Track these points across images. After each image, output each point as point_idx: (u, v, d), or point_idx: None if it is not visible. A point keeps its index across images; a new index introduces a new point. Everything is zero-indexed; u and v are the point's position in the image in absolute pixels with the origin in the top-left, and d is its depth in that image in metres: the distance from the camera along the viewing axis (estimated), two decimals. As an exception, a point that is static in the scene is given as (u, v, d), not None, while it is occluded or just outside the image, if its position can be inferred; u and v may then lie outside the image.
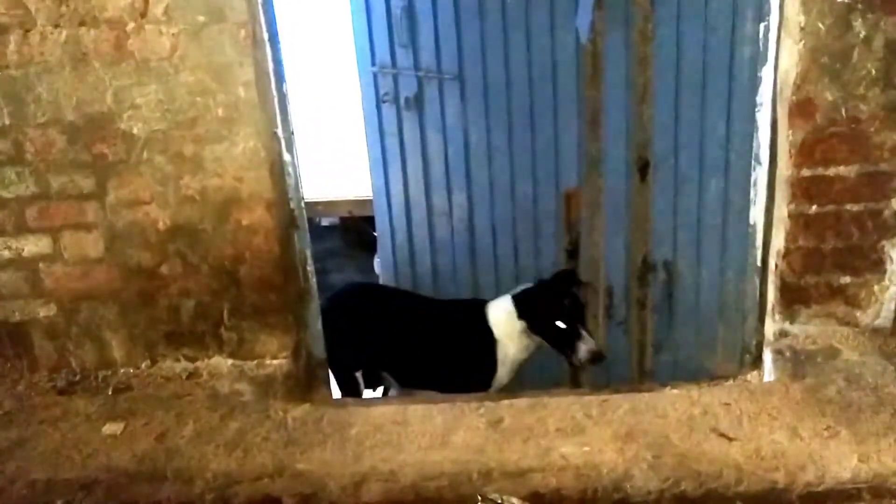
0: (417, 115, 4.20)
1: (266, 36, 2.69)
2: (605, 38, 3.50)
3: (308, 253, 3.06)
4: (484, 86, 3.96)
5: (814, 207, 2.70)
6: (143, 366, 2.98)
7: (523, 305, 3.60)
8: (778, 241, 2.78)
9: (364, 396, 4.06)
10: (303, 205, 3.01)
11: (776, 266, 2.81)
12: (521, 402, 2.78)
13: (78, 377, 2.97)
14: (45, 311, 2.93)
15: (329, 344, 3.90)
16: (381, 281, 4.79)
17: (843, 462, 2.35)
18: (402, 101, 4.21)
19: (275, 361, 2.95)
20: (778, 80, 2.66)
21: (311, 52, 6.95)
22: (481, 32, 3.84)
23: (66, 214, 2.81)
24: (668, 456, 2.42)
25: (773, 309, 2.88)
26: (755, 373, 2.99)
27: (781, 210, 2.74)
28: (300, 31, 6.98)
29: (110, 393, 2.90)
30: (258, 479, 2.43)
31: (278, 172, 2.80)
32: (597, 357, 3.45)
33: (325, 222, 6.57)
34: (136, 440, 2.61)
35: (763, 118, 2.78)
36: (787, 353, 2.83)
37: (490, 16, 3.80)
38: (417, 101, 4.17)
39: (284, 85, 2.84)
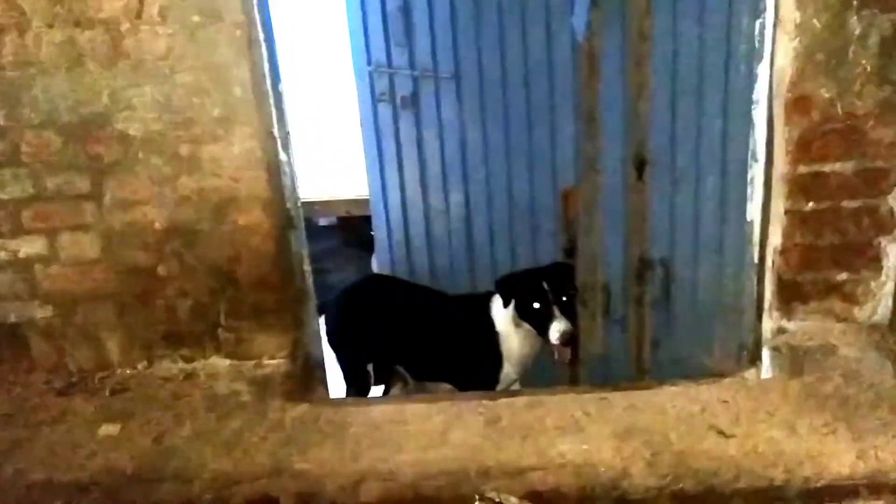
0: (414, 115, 4.20)
1: (262, 36, 2.69)
2: (602, 37, 3.48)
3: (305, 253, 3.06)
4: (480, 85, 3.96)
5: (810, 204, 2.71)
6: (141, 366, 2.98)
7: (504, 288, 3.62)
8: (775, 238, 2.79)
9: (372, 390, 4.08)
10: (299, 205, 3.01)
11: (773, 263, 2.82)
12: (520, 400, 2.78)
13: (75, 378, 2.97)
14: (41, 313, 2.93)
15: (343, 335, 3.94)
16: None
17: (841, 458, 2.35)
18: (398, 101, 4.21)
19: (272, 361, 2.96)
20: (774, 77, 2.65)
21: (308, 52, 6.94)
22: (477, 31, 3.85)
23: (63, 215, 2.81)
24: (667, 453, 2.42)
25: (770, 306, 2.88)
26: (753, 370, 3.00)
27: (778, 207, 2.74)
28: (297, 30, 6.99)
29: (108, 394, 2.90)
30: (256, 479, 2.43)
31: (275, 172, 2.79)
32: (567, 338, 3.46)
33: (323, 222, 6.58)
34: (133, 441, 2.62)
35: (759, 115, 2.78)
36: (785, 350, 2.83)
37: (486, 15, 3.80)
38: (414, 101, 4.17)
39: (280, 85, 2.83)
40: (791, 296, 2.84)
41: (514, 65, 3.83)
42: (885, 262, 2.76)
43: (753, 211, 2.91)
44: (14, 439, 2.65)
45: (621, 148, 3.59)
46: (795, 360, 2.79)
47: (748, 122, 2.84)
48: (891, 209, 2.69)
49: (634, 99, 3.42)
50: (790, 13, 2.51)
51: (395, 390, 4.26)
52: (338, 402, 3.13)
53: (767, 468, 2.34)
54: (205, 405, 2.81)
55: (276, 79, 2.80)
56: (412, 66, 4.09)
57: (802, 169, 2.67)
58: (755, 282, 2.96)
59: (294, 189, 2.95)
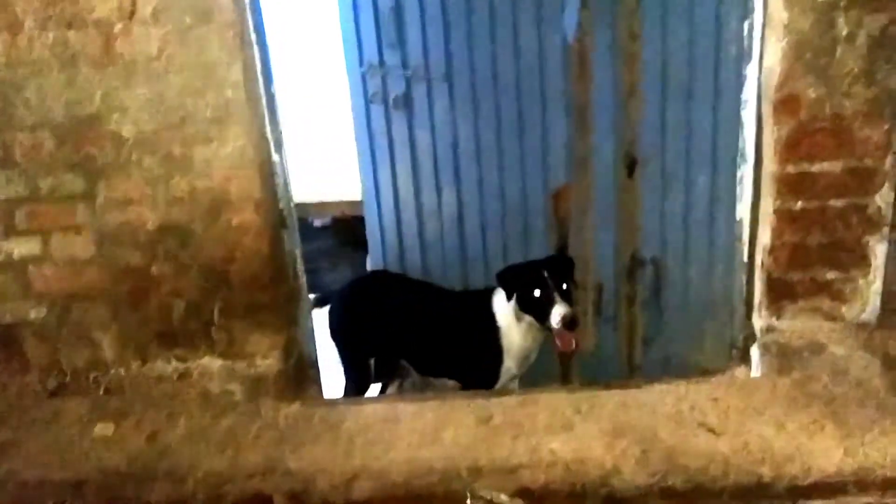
0: (406, 115, 4.21)
1: (254, 37, 2.70)
2: (592, 37, 3.51)
3: (298, 252, 3.08)
4: (472, 85, 3.97)
5: (799, 203, 2.73)
6: (134, 366, 2.99)
7: (505, 278, 3.64)
8: (764, 237, 2.80)
9: (372, 385, 4.10)
10: (292, 205, 3.02)
11: (762, 262, 2.83)
12: (511, 399, 2.80)
13: (69, 378, 2.98)
14: (35, 313, 2.94)
15: (345, 330, 3.96)
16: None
17: (828, 455, 2.37)
18: (390, 101, 4.21)
19: (266, 361, 2.96)
20: (762, 77, 2.68)
21: (302, 53, 6.94)
22: (469, 32, 3.86)
23: (56, 216, 2.82)
24: (656, 451, 2.44)
25: (759, 304, 2.90)
26: (743, 368, 3.03)
27: (767, 206, 2.76)
28: (290, 31, 7.00)
29: (101, 393, 2.92)
30: (249, 477, 2.45)
31: (267, 173, 2.81)
32: (569, 321, 3.47)
33: (317, 222, 6.58)
34: (127, 440, 2.63)
35: (748, 115, 2.80)
36: (774, 348, 2.86)
37: (477, 15, 3.81)
38: (406, 101, 4.18)
39: (272, 85, 2.85)
40: (780, 294, 2.85)
41: (505, 65, 3.85)
42: (873, 261, 2.78)
43: (743, 210, 2.93)
44: (8, 439, 2.67)
45: (612, 147, 3.62)
46: (784, 358, 2.81)
47: (737, 122, 2.86)
48: (878, 208, 2.71)
49: (625, 99, 3.46)
50: (778, 14, 2.53)
51: (392, 388, 4.28)
52: (331, 401, 3.14)
53: (756, 465, 2.36)
54: (198, 404, 2.83)
55: (268, 80, 2.82)
56: (404, 66, 4.10)
57: (791, 168, 2.69)
58: (745, 280, 2.98)
59: (286, 189, 2.96)
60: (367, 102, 4.31)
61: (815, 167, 2.68)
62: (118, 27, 2.58)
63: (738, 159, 2.90)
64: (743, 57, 2.78)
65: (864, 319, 2.85)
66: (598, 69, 3.55)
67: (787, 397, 2.63)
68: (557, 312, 3.45)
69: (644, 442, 2.48)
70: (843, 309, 2.86)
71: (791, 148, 2.66)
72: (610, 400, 2.70)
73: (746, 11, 2.72)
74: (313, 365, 3.21)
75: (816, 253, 2.79)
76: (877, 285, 2.81)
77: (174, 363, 2.99)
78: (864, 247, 2.77)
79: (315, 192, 5.77)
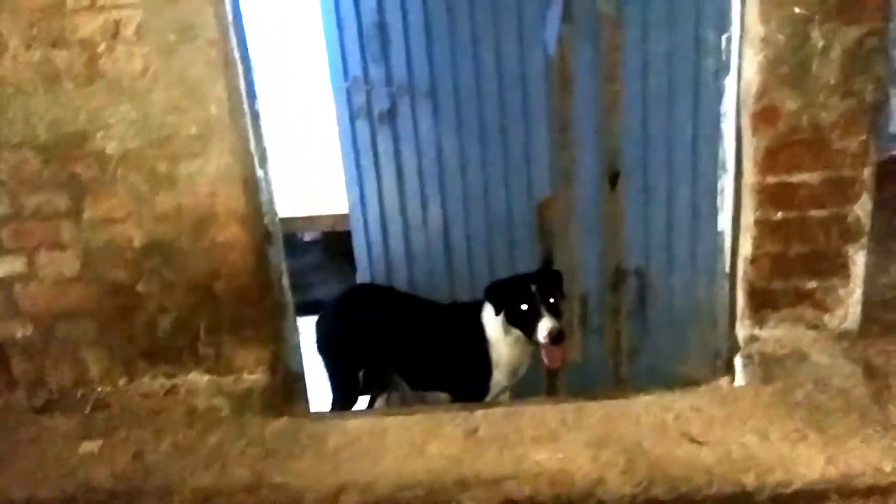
0: (391, 130, 4.24)
1: (237, 54, 2.72)
2: (573, 51, 3.55)
3: (283, 268, 3.09)
4: (456, 99, 4.00)
5: (779, 213, 2.75)
6: (121, 383, 2.99)
7: (493, 293, 3.66)
8: (745, 247, 2.82)
9: (360, 398, 4.12)
10: (277, 220, 3.03)
11: (744, 272, 2.85)
12: (497, 411, 2.82)
13: (56, 396, 2.98)
14: (21, 331, 2.94)
15: (332, 343, 3.98)
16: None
17: (811, 464, 2.40)
18: (375, 116, 4.24)
19: (252, 376, 2.97)
20: (741, 90, 2.70)
21: (290, 68, 6.98)
22: (452, 47, 3.89)
23: (42, 234, 2.83)
24: (641, 461, 2.46)
25: (742, 314, 2.91)
26: (727, 377, 3.04)
27: (748, 216, 2.78)
28: (278, 47, 7.04)
29: (88, 411, 2.92)
30: (235, 492, 2.46)
31: (252, 188, 2.82)
32: (555, 335, 3.49)
33: (307, 237, 6.60)
34: (113, 457, 2.64)
35: (728, 127, 2.83)
36: (757, 358, 2.87)
37: (460, 31, 3.84)
38: (391, 116, 4.21)
39: (256, 102, 2.86)
40: (762, 304, 2.87)
41: (488, 79, 3.88)
42: (853, 270, 2.79)
43: (724, 221, 2.95)
44: (-5, 457, 2.67)
45: (595, 160, 3.65)
46: (767, 367, 2.83)
47: (717, 134, 2.89)
48: (857, 218, 2.73)
49: (606, 112, 3.49)
50: (755, 27, 2.56)
51: (380, 401, 4.30)
52: (317, 416, 3.15)
53: (739, 474, 2.39)
54: (185, 420, 2.83)
55: (252, 96, 2.84)
56: (389, 81, 4.13)
57: (771, 179, 2.71)
58: (727, 290, 3.00)
59: (271, 204, 2.98)
60: (352, 117, 4.33)
61: (795, 178, 2.70)
62: (102, 46, 2.60)
63: (719, 171, 2.92)
64: (721, 70, 2.80)
65: (846, 328, 2.86)
66: (579, 83, 3.58)
67: (769, 406, 2.65)
68: (544, 326, 3.47)
69: (628, 452, 2.49)
70: (825, 318, 2.87)
71: (770, 159, 2.68)
72: (595, 411, 2.72)
73: (724, 25, 2.75)
74: (300, 379, 3.21)
75: (797, 262, 2.81)
76: (857, 294, 2.82)
77: (161, 379, 2.99)
78: (844, 256, 2.78)
79: (304, 206, 5.79)
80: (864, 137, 2.63)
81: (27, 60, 2.62)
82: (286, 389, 3.08)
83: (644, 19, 3.38)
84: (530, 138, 3.87)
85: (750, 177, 2.73)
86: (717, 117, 2.89)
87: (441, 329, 3.92)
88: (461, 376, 3.80)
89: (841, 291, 2.83)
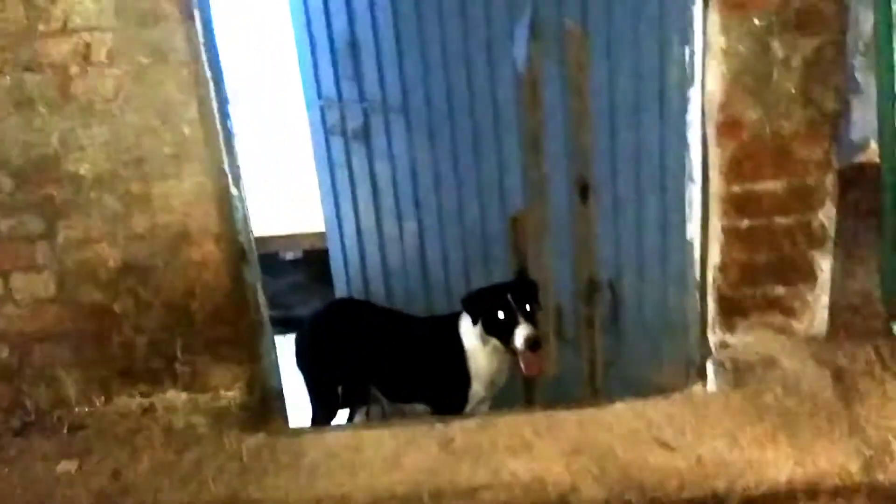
0: (365, 146, 4.28)
1: (209, 74, 2.74)
2: (542, 67, 3.60)
3: (259, 286, 3.10)
4: (428, 116, 4.05)
5: (746, 222, 2.79)
6: (98, 403, 2.99)
7: (470, 303, 3.70)
8: (714, 256, 2.86)
9: (339, 412, 4.15)
10: (252, 238, 3.05)
11: (714, 280, 2.89)
12: (472, 422, 2.85)
13: (33, 417, 2.98)
14: (-3, 354, 2.95)
15: (311, 358, 4.01)
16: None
17: (780, 466, 2.45)
18: (349, 133, 4.28)
19: (229, 393, 2.98)
20: (705, 101, 2.75)
21: (268, 88, 7.02)
22: (423, 64, 3.94)
23: (16, 256, 2.84)
24: (613, 468, 2.50)
25: (713, 321, 2.95)
26: (699, 384, 3.08)
27: (715, 225, 2.82)
28: (255, 67, 7.09)
29: (65, 432, 2.92)
30: (213, 509, 2.48)
31: (226, 207, 2.84)
32: (533, 342, 3.52)
33: (289, 256, 6.61)
34: (91, 477, 2.65)
35: (693, 138, 2.87)
36: (728, 364, 2.91)
37: (430, 48, 3.90)
38: (364, 133, 4.25)
39: (229, 121, 2.89)
40: (732, 311, 2.91)
41: (459, 95, 3.93)
42: (819, 276, 2.84)
43: (693, 230, 2.99)
44: (-28, 480, 2.67)
45: (565, 174, 3.70)
46: (738, 373, 2.87)
47: (684, 145, 2.94)
48: (822, 224, 2.77)
49: (575, 126, 3.54)
50: (716, 39, 2.61)
51: (360, 415, 4.32)
52: (295, 431, 3.16)
53: (710, 478, 2.43)
54: (162, 439, 2.84)
55: (225, 116, 2.86)
56: (361, 99, 4.18)
57: (736, 188, 2.75)
58: (698, 299, 3.04)
59: (246, 223, 3.00)
60: (327, 134, 4.38)
61: (759, 186, 2.74)
62: (74, 69, 2.62)
63: (686, 181, 2.96)
64: (686, 82, 2.85)
65: (814, 333, 2.91)
66: (548, 98, 3.63)
67: (740, 411, 2.70)
68: (521, 334, 3.50)
69: (601, 459, 2.53)
70: (794, 323, 2.91)
71: (735, 168, 2.73)
72: (568, 420, 2.76)
73: (688, 38, 2.80)
74: (278, 396, 3.22)
75: (765, 269, 2.85)
76: (824, 299, 2.87)
77: (138, 399, 2.99)
78: (810, 262, 2.83)
79: (285, 225, 5.81)
80: (825, 146, 2.69)
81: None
82: (264, 406, 3.09)
83: (609, 34, 3.43)
84: (502, 153, 3.92)
85: (716, 186, 2.78)
86: (683, 128, 2.93)
87: (419, 342, 3.95)
88: (440, 388, 3.83)
89: (808, 297, 2.88)
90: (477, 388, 3.76)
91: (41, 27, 2.59)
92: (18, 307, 2.90)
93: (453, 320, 3.82)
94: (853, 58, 2.75)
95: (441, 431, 2.76)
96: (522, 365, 3.58)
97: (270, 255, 5.78)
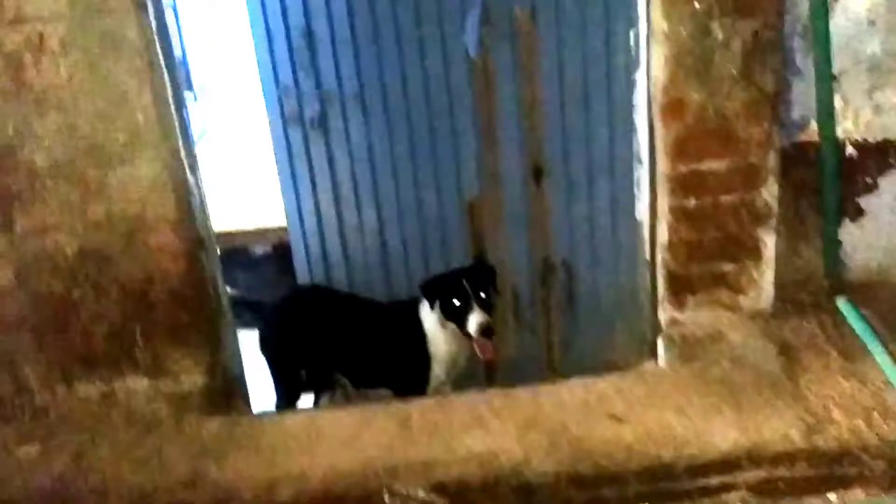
0: (323, 135, 4.30)
1: (163, 63, 2.77)
2: (494, 53, 3.65)
3: (218, 272, 3.13)
4: (384, 104, 4.08)
5: (692, 201, 2.86)
6: (59, 391, 2.99)
7: (427, 288, 3.77)
8: (662, 235, 2.93)
9: (304, 397, 4.19)
10: (209, 225, 3.08)
11: (663, 258, 2.96)
12: (429, 401, 2.92)
13: (-6, 405, 3.00)
14: (-42, 344, 2.96)
15: (275, 344, 4.05)
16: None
17: (724, 435, 2.52)
18: (307, 122, 4.31)
19: (189, 378, 2.99)
20: (650, 84, 2.82)
21: (234, 80, 7.02)
22: (378, 52, 3.97)
23: (-27, 247, 2.85)
24: (565, 441, 2.56)
25: (663, 299, 3.02)
26: (652, 361, 3.15)
27: (663, 205, 2.89)
28: (221, 60, 7.12)
29: (27, 419, 2.94)
30: (173, 490, 2.52)
31: (182, 195, 2.86)
32: (485, 328, 3.61)
33: (259, 250, 6.59)
34: (52, 461, 2.68)
35: (640, 120, 2.94)
36: (677, 340, 2.98)
37: (385, 36, 3.93)
38: (322, 121, 4.27)
39: (184, 109, 2.91)
40: (681, 288, 2.98)
41: (414, 83, 3.98)
42: (764, 253, 2.91)
43: (642, 210, 3.07)
44: (-66, 467, 2.69)
45: (519, 158, 3.76)
46: (686, 348, 2.95)
47: (632, 127, 3.00)
48: (765, 202, 2.85)
49: (527, 111, 3.60)
50: (659, 23, 2.67)
51: (324, 400, 4.36)
52: (255, 415, 3.20)
53: (657, 448, 2.50)
54: (124, 424, 2.87)
55: (180, 103, 2.89)
56: (318, 87, 4.20)
57: (682, 168, 2.82)
58: (649, 277, 3.11)
59: (203, 210, 3.02)
60: (285, 125, 4.39)
61: (704, 166, 2.81)
62: (28, 59, 2.63)
63: (635, 162, 3.03)
64: (632, 65, 2.92)
65: (760, 308, 2.99)
66: (501, 84, 3.69)
67: (688, 385, 2.78)
68: (474, 320, 3.58)
69: (553, 433, 2.60)
70: (741, 299, 2.99)
71: (680, 149, 2.80)
72: (522, 397, 2.82)
73: (633, 22, 2.86)
74: (239, 381, 3.26)
75: (711, 247, 2.92)
76: (769, 275, 2.95)
77: (99, 385, 3.00)
78: (755, 239, 2.90)
79: (254, 220, 5.80)
80: (766, 125, 2.76)
81: (-47, 76, 2.65)
82: (225, 391, 3.12)
83: (557, 20, 3.49)
84: (457, 139, 3.97)
85: (663, 167, 2.84)
86: (630, 111, 3.00)
87: (380, 326, 4.01)
88: (401, 372, 3.90)
89: (754, 273, 2.95)
90: (437, 371, 3.83)
91: (-6, 18, 2.60)
92: (-24, 297, 2.91)
93: (414, 305, 3.88)
94: (791, 40, 2.81)
95: (398, 410, 2.81)
96: (477, 349, 3.66)
97: (240, 250, 5.79)
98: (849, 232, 3.05)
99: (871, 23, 2.81)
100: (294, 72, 4.22)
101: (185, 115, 2.92)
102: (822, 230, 3.06)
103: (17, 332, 2.95)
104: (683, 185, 2.85)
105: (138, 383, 3.01)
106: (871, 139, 2.94)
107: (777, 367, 2.80)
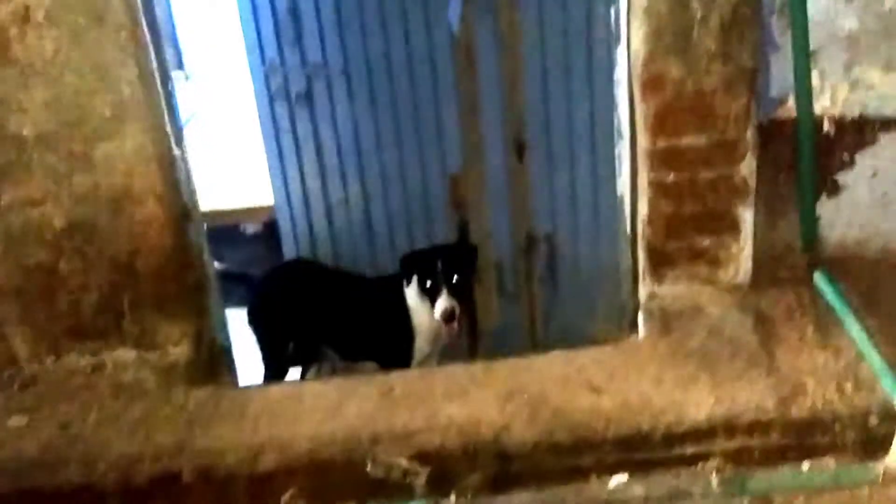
0: (309, 111, 4.34)
1: (148, 37, 2.79)
2: (476, 29, 3.68)
3: (204, 244, 3.16)
4: (369, 79, 4.13)
5: (671, 176, 2.89)
6: (48, 361, 3.03)
7: (404, 265, 3.82)
8: (642, 210, 2.97)
9: (291, 370, 4.27)
10: (196, 198, 3.11)
11: (643, 233, 3.00)
12: (412, 373, 2.97)
13: (-18, 376, 3.03)
14: (-55, 314, 2.98)
15: (263, 316, 4.10)
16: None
17: (700, 405, 2.56)
18: (293, 98, 4.34)
19: (176, 349, 3.04)
20: (630, 59, 2.84)
21: (224, 58, 7.02)
22: (362, 28, 4.01)
23: (-40, 219, 2.87)
24: (544, 410, 2.60)
25: (643, 273, 3.07)
26: (631, 333, 3.20)
27: (643, 180, 2.92)
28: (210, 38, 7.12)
29: (16, 389, 2.96)
30: (158, 457, 2.55)
31: (168, 167, 2.89)
32: (448, 315, 3.68)
33: (250, 229, 6.61)
34: (40, 430, 2.70)
35: (621, 95, 2.97)
36: (657, 313, 3.02)
37: (369, 11, 3.97)
38: (308, 97, 4.31)
39: (170, 82, 2.94)
40: (660, 262, 3.02)
41: (398, 58, 4.02)
42: (742, 227, 2.96)
43: (623, 185, 3.10)
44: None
45: (502, 133, 3.80)
46: (665, 321, 2.98)
47: (612, 103, 3.04)
48: (743, 177, 2.88)
49: (510, 86, 3.63)
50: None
51: (311, 373, 4.41)
52: (241, 387, 3.25)
53: (635, 417, 2.55)
54: (111, 394, 2.90)
55: (165, 77, 2.91)
56: (304, 63, 4.23)
57: (661, 143, 2.85)
58: (629, 252, 3.16)
59: (189, 182, 3.05)
60: (271, 100, 4.42)
61: (683, 141, 2.84)
62: (13, 31, 2.64)
63: (615, 137, 3.07)
64: (612, 41, 2.95)
65: (738, 282, 3.03)
66: (483, 59, 3.72)
67: (665, 356, 2.81)
68: (439, 306, 3.67)
69: (533, 403, 2.64)
70: (719, 273, 3.03)
71: (660, 124, 2.83)
72: (503, 368, 2.86)
73: (612, -1, 2.89)
74: (226, 352, 3.30)
75: (690, 222, 2.96)
76: (747, 249, 2.99)
77: (87, 356, 3.03)
78: (733, 214, 2.94)
79: (245, 198, 5.83)
80: (745, 101, 2.79)
81: (-61, 48, 2.67)
82: (212, 362, 3.17)
83: (540, -3, 3.52)
84: (441, 114, 4.02)
85: (643, 142, 2.87)
86: (611, 87, 3.03)
87: (366, 300, 4.06)
88: (386, 344, 3.96)
89: (732, 247, 3.00)
90: (421, 344, 3.89)
91: (-21, -10, 2.61)
92: (-36, 269, 2.93)
93: (398, 279, 3.93)
94: (770, 16, 2.84)
95: (381, 381, 2.85)
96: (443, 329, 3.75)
97: (231, 228, 5.82)
98: (826, 207, 3.08)
99: (849, -1, 2.85)
100: (280, 48, 4.25)
101: (170, 88, 2.95)
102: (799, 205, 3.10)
103: (4, 303, 2.98)
104: (663, 159, 2.88)
105: (126, 354, 3.04)
106: (848, 115, 2.97)
107: (753, 340, 2.84)
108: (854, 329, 2.79)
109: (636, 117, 2.89)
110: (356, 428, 2.61)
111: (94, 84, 2.72)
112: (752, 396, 2.58)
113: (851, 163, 3.05)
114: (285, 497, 2.54)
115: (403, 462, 2.51)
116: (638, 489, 2.55)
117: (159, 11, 2.93)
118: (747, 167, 2.88)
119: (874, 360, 2.64)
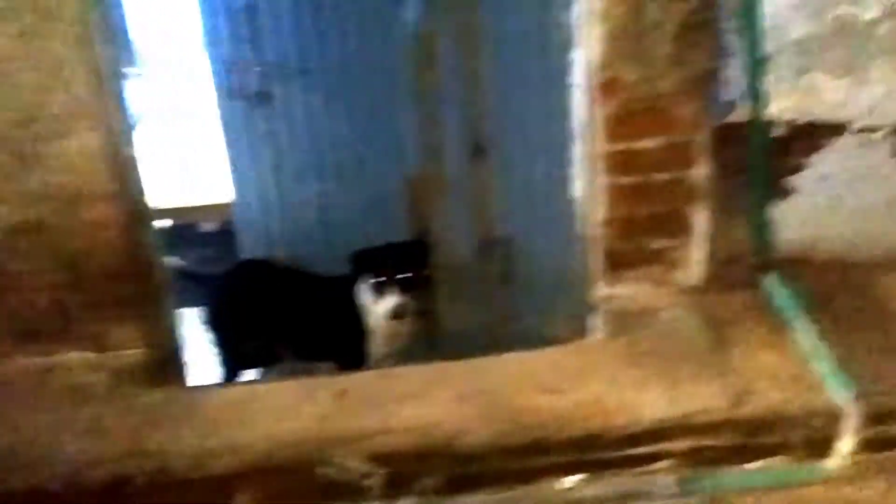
0: (266, 109, 4.31)
1: (100, 35, 2.75)
2: (435, 29, 3.68)
3: (157, 245, 3.13)
4: (327, 78, 4.11)
5: (626, 178, 2.90)
6: (-2, 364, 3.01)
7: (354, 263, 3.83)
8: (598, 212, 2.98)
9: (248, 371, 4.24)
10: (147, 199, 3.07)
11: (598, 235, 3.01)
12: (368, 374, 2.96)
13: (-69, 380, 2.98)
14: None
15: (218, 317, 4.06)
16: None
17: (654, 406, 2.59)
18: (251, 97, 4.31)
19: (129, 351, 2.99)
20: (587, 62, 2.86)
21: (182, 56, 6.98)
22: (319, 26, 3.99)
23: None
24: (499, 412, 2.62)
25: (598, 275, 3.08)
26: (587, 335, 3.22)
27: (598, 182, 2.93)
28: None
29: (-35, 393, 2.93)
30: (109, 461, 2.53)
31: (120, 167, 2.85)
32: (397, 312, 3.69)
33: (206, 227, 6.55)
34: (-9, 434, 2.68)
35: (577, 98, 2.99)
36: (612, 315, 3.04)
37: (327, 9, 3.95)
38: (266, 96, 4.29)
39: (122, 81, 2.90)
40: (616, 264, 3.03)
41: (355, 57, 4.00)
42: (696, 230, 2.98)
43: (579, 187, 3.12)
44: None
45: (460, 134, 3.80)
46: (620, 322, 3.00)
47: (569, 105, 3.05)
48: (697, 180, 2.90)
49: (468, 88, 3.63)
50: (595, 3, 2.70)
51: (269, 375, 4.38)
52: (194, 388, 3.22)
53: (589, 419, 2.57)
54: (62, 396, 2.87)
55: (117, 76, 2.87)
56: (261, 61, 4.21)
57: (617, 146, 2.86)
58: (585, 253, 3.17)
59: (141, 183, 3.01)
60: (229, 98, 4.39)
61: (638, 144, 2.86)
62: (-40, 29, 2.61)
63: (571, 140, 3.08)
64: (569, 44, 2.96)
65: (692, 284, 3.06)
66: (442, 60, 3.72)
67: (619, 357, 2.84)
68: (389, 303, 3.66)
69: (488, 405, 2.65)
70: (673, 275, 3.05)
71: (615, 127, 2.84)
72: (460, 370, 2.87)
73: (570, 1, 2.90)
74: (178, 354, 3.27)
75: (645, 224, 2.97)
76: (701, 252, 3.02)
77: (39, 359, 2.99)
78: (686, 217, 2.96)
79: (202, 196, 5.78)
80: (699, 105, 2.81)
81: None
82: (165, 364, 3.12)
83: (499, -2, 3.53)
84: (400, 115, 4.00)
85: (598, 145, 2.88)
86: (567, 89, 3.04)
87: (322, 300, 4.05)
88: (342, 345, 3.95)
89: (686, 250, 3.01)
90: (376, 344, 3.87)
91: (-72, -13, 2.57)
92: (-88, 269, 2.88)
93: (353, 278, 3.92)
94: (725, 21, 2.87)
95: (337, 382, 2.85)
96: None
97: (188, 226, 5.77)
98: (779, 210, 3.12)
99: (801, 6, 2.88)
100: (237, 45, 4.22)
101: (122, 88, 2.91)
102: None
103: (-47, 304, 2.94)
104: (618, 162, 2.89)
105: (77, 356, 3.00)
106: (799, 120, 3.01)
107: (706, 341, 2.88)
108: (804, 331, 2.83)
109: (592, 120, 2.90)
110: (311, 430, 2.60)
111: (46, 82, 2.67)
112: (704, 397, 2.61)
113: (803, 166, 3.09)
114: (239, 500, 2.53)
115: (358, 464, 2.50)
116: (593, 489, 2.58)
117: (112, 8, 2.89)
118: (701, 170, 2.90)
119: (823, 361, 2.68)
